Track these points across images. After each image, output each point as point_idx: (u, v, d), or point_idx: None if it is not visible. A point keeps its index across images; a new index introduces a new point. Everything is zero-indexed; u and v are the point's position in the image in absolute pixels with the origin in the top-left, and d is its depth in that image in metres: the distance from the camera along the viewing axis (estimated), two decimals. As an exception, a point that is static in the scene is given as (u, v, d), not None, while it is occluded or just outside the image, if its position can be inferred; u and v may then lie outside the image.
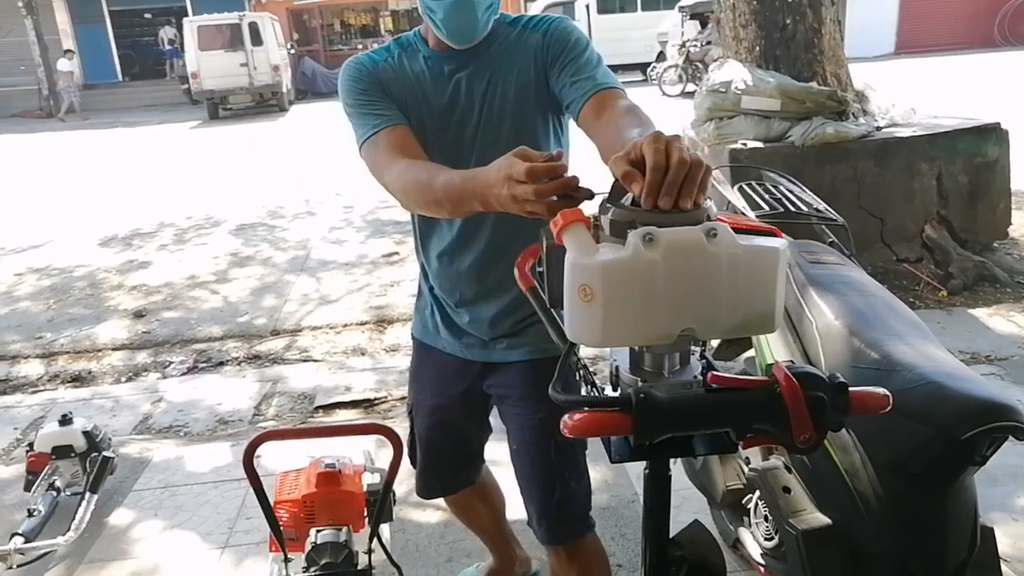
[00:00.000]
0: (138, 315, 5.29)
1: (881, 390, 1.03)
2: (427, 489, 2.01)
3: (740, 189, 2.43)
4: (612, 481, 2.78)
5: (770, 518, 1.89)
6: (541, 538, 1.78)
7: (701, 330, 0.96)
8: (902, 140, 4.58)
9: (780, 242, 0.97)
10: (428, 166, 1.42)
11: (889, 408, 1.02)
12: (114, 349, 4.76)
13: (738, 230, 0.95)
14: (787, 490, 1.77)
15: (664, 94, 15.65)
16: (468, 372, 1.78)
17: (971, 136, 4.64)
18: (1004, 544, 1.93)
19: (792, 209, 2.24)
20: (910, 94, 6.34)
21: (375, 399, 3.81)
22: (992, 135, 4.64)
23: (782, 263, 0.96)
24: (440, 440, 1.90)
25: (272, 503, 1.80)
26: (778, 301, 0.97)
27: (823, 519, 1.69)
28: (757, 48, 4.75)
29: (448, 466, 1.97)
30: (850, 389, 0.98)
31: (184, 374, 4.35)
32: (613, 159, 0.97)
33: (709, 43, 15.10)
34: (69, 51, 21.14)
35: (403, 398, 3.80)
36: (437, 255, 1.72)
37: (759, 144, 4.48)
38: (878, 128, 4.66)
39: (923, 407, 1.52)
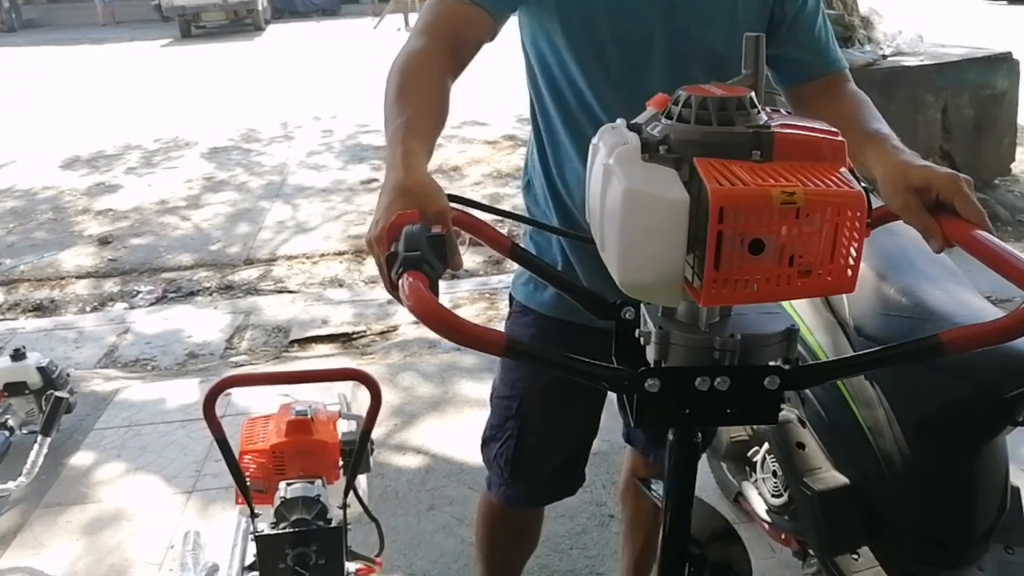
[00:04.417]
0: (104, 241, 5.04)
1: None
2: (533, 498, 1.65)
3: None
4: (604, 425, 2.63)
5: (779, 474, 1.76)
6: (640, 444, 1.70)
7: None
8: (908, 69, 4.37)
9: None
10: (420, 76, 1.10)
11: None
12: (79, 277, 4.54)
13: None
14: (801, 446, 1.63)
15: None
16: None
17: (980, 66, 4.44)
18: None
19: (809, 138, 2.05)
20: (917, 20, 6.06)
21: (353, 333, 3.64)
22: (1002, 66, 4.44)
23: None
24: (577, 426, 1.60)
25: (238, 453, 1.63)
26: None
27: (841, 479, 1.56)
28: (760, -32, 4.48)
29: (571, 466, 1.65)
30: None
31: (152, 304, 4.15)
32: (901, 189, 0.96)
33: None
34: None
35: (383, 332, 3.63)
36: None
37: (761, 71, 4.26)
38: (883, 56, 4.45)
39: (961, 361, 1.37)
